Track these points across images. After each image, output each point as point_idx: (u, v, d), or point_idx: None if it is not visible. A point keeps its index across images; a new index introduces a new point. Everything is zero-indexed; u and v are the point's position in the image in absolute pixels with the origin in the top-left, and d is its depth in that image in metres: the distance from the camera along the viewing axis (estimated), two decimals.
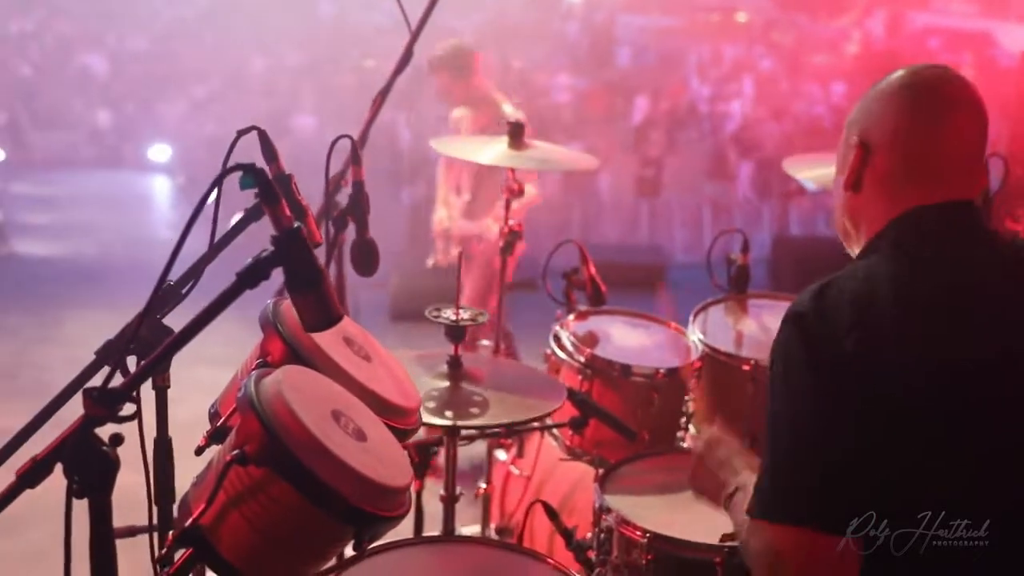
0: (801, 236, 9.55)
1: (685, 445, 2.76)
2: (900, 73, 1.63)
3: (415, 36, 2.66)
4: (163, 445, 1.75)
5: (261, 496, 1.38)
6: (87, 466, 1.38)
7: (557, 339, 2.78)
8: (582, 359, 2.69)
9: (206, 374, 4.56)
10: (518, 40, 12.26)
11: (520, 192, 3.03)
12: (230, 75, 12.63)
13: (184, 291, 1.70)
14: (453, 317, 2.25)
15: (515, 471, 3.06)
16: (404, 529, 1.96)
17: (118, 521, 1.42)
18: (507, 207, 3.09)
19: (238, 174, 1.47)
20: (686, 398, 2.73)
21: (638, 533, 2.15)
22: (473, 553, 1.96)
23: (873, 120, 1.62)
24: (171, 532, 1.47)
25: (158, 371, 1.62)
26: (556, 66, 11.96)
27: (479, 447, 3.06)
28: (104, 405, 1.38)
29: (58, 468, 1.39)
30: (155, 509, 1.70)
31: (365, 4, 12.12)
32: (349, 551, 1.50)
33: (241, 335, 2.05)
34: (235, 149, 1.56)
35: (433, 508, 2.49)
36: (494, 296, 3.99)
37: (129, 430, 1.45)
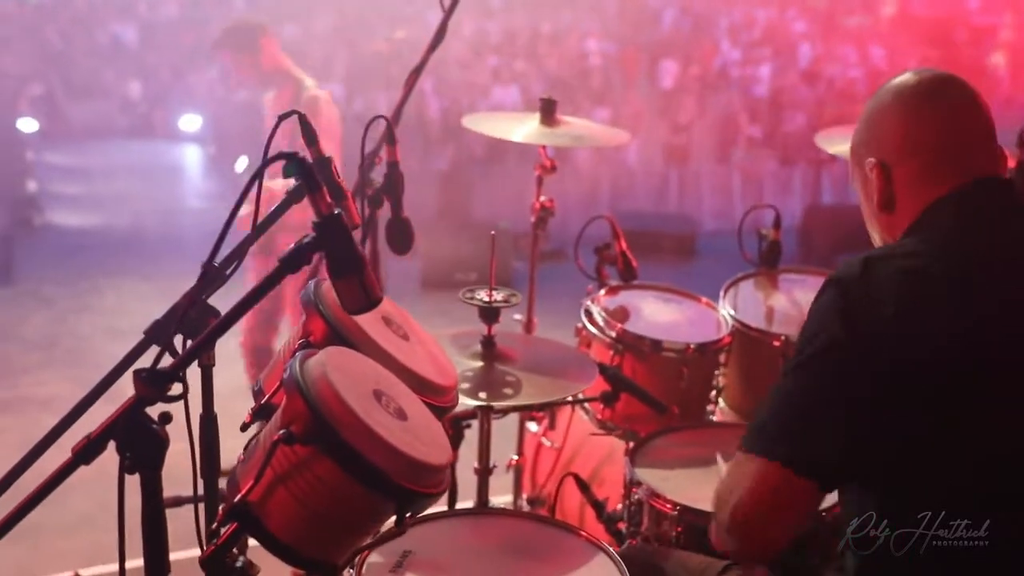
0: (833, 205, 9.37)
1: (714, 419, 2.79)
2: (883, 91, 1.70)
3: (449, 13, 2.67)
4: (209, 422, 1.81)
5: (307, 474, 1.44)
6: (138, 444, 1.44)
7: (588, 314, 2.81)
8: (613, 334, 2.72)
9: (237, 347, 4.61)
10: (547, 5, 12.17)
11: (553, 169, 3.03)
12: None
13: (228, 272, 1.74)
14: (487, 299, 2.28)
15: (547, 443, 3.11)
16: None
17: (165, 490, 1.48)
18: (538, 184, 3.09)
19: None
20: (716, 372, 2.76)
21: (668, 506, 2.20)
22: (508, 525, 2.00)
23: (879, 139, 1.68)
24: (220, 507, 1.52)
25: (204, 351, 1.67)
26: (585, 30, 11.87)
27: (511, 418, 3.10)
28: (154, 386, 1.44)
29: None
30: (200, 481, 1.76)
31: None
32: (389, 524, 1.55)
33: None
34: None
35: (466, 478, 2.55)
36: None
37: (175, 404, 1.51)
